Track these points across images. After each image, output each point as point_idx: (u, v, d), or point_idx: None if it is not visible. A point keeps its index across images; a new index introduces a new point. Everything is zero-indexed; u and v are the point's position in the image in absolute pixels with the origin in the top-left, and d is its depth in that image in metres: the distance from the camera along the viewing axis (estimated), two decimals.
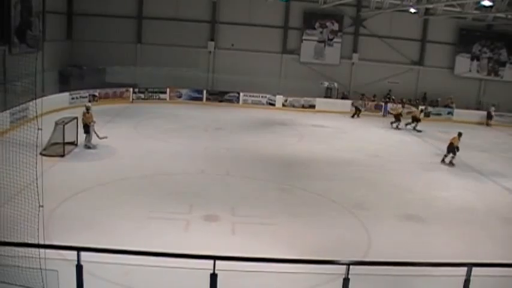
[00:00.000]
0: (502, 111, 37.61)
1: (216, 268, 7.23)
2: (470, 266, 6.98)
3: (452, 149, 22.73)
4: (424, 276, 7.92)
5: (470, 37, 39.00)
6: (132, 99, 33.04)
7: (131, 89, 33.21)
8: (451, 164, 22.65)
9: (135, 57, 35.46)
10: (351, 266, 7.18)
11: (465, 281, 6.97)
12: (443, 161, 22.95)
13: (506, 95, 38.14)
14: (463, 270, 7.16)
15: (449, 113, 37.00)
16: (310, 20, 37.01)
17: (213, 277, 7.29)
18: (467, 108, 37.66)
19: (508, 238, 14.49)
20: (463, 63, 39.11)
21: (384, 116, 35.55)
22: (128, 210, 13.86)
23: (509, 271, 7.20)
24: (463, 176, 21.14)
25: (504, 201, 18.37)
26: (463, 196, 18.28)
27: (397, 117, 31.44)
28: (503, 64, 39.67)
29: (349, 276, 7.16)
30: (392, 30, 37.47)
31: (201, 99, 34.92)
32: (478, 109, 38.18)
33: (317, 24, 37.00)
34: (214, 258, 7.24)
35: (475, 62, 39.42)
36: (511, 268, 7.22)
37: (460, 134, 23.06)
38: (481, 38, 39.21)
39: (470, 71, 39.28)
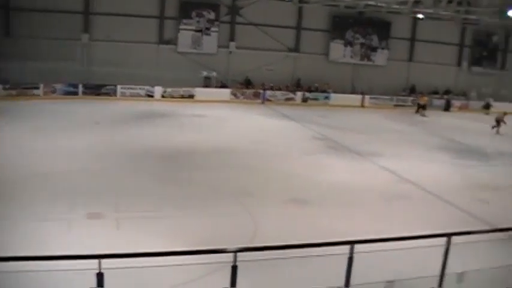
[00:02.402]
0: (376, 94, 39.37)
1: (102, 267, 6.92)
2: (352, 243, 7.13)
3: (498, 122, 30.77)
4: (311, 257, 8.03)
5: (343, 24, 40.39)
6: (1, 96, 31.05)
7: (0, 86, 31.29)
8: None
9: (3, 51, 33.39)
10: (238, 253, 7.13)
11: (349, 258, 7.12)
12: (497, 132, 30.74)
13: (378, 79, 39.93)
14: (347, 248, 7.31)
15: (326, 97, 38.12)
16: (186, 9, 36.62)
17: (99, 276, 6.96)
18: (343, 92, 38.97)
19: (387, 214, 15.04)
20: (337, 49, 40.42)
21: (262, 103, 36.10)
22: (3, 214, 13.04)
23: (388, 245, 7.44)
24: (342, 158, 21.79)
25: (382, 179, 19.10)
26: (344, 177, 18.76)
27: (499, 122, 32.56)
28: (374, 49, 41.46)
29: (237, 263, 7.11)
30: (269, 19, 37.91)
31: (76, 93, 33.53)
32: (353, 93, 39.63)
33: (193, 14, 36.67)
34: (99, 256, 6.91)
35: (349, 48, 40.87)
36: (390, 242, 7.46)
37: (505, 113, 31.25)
38: (353, 24, 40.72)
39: (344, 56, 40.71)
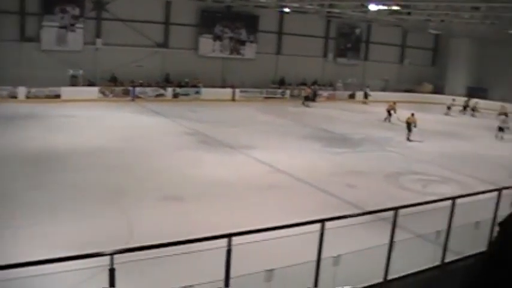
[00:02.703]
0: (246, 87, 40.01)
1: None
2: (230, 236, 7.18)
3: (409, 127, 27.73)
4: (190, 253, 7.97)
5: (211, 18, 40.48)
6: None
7: None
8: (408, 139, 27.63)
9: None
10: (115, 255, 6.95)
11: (227, 250, 7.17)
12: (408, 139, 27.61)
13: (248, 72, 40.59)
14: (225, 241, 7.35)
15: (197, 92, 38.17)
16: (49, 4, 34.88)
17: None
18: (214, 86, 39.19)
19: (262, 205, 15.30)
20: (207, 44, 40.48)
21: (132, 100, 35.47)
22: None
23: (266, 235, 7.54)
24: (215, 152, 21.88)
25: (255, 171, 19.44)
26: (218, 171, 18.88)
27: (389, 112, 33.74)
28: (243, 43, 41.97)
29: (115, 266, 6.93)
30: (136, 14, 37.15)
31: None
32: (223, 87, 39.97)
33: (57, 9, 35.09)
34: None
35: (218, 42, 41.06)
36: (268, 232, 7.56)
37: (412, 114, 28.11)
38: (222, 19, 40.92)
39: (213, 51, 40.82)
